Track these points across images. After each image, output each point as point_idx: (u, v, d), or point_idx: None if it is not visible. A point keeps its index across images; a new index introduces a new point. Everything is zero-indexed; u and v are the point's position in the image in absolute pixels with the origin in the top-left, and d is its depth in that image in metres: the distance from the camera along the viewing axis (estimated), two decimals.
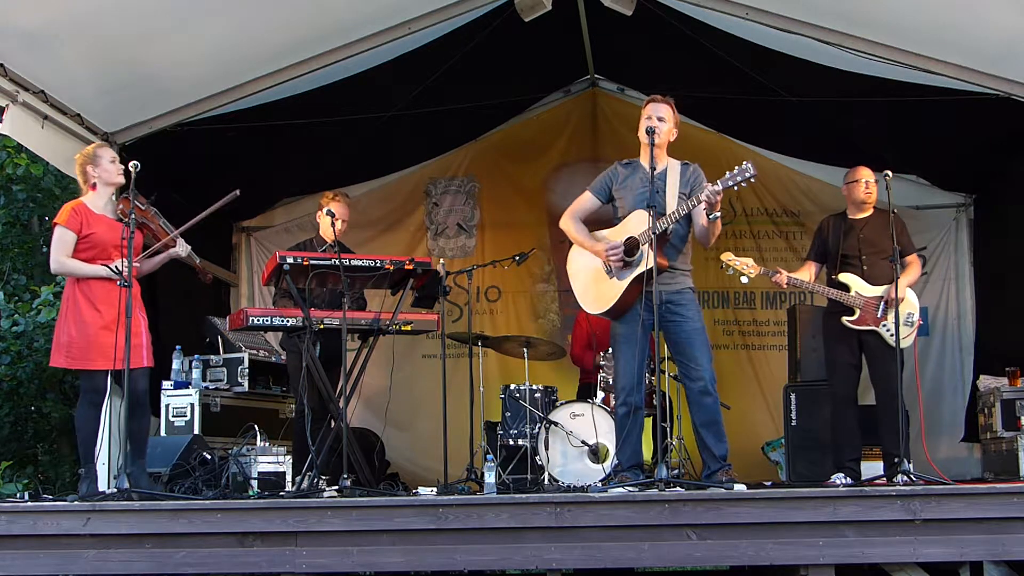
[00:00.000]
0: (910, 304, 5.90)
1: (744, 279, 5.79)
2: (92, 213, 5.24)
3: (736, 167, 4.93)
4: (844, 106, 7.02)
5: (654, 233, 4.85)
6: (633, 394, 5.09)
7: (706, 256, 8.29)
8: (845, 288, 5.88)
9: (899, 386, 5.37)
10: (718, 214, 4.95)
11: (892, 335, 5.74)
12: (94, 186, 5.29)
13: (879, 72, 6.33)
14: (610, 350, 6.54)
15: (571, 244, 5.42)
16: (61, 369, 8.72)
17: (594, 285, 5.22)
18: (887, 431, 5.72)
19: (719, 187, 4.88)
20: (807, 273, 6.02)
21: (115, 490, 4.77)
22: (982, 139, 7.11)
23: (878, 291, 5.84)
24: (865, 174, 6.02)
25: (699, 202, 4.92)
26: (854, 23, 6.03)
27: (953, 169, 7.86)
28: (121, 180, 5.29)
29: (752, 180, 4.94)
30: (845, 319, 5.85)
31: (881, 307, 5.79)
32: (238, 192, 5.34)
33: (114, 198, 5.38)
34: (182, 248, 5.42)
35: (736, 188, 4.94)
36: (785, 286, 5.92)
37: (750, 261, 5.80)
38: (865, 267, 5.88)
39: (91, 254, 5.17)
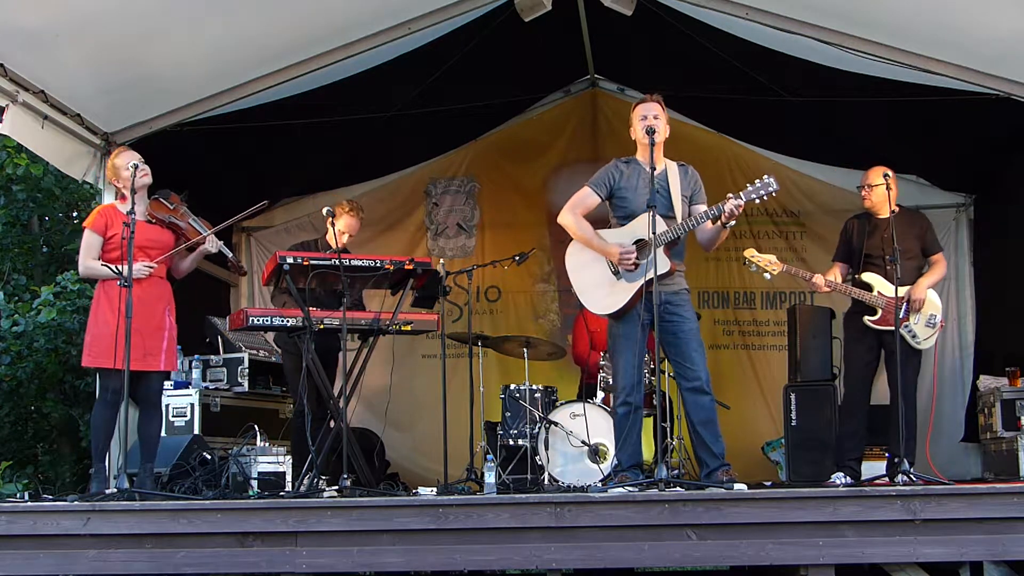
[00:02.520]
0: (932, 305, 5.87)
1: (767, 276, 5.78)
2: (119, 214, 5.35)
3: (758, 180, 4.97)
4: (844, 106, 7.01)
5: (654, 233, 4.85)
6: (633, 394, 5.09)
7: (706, 256, 8.31)
8: (868, 288, 5.88)
9: (900, 384, 5.37)
10: (733, 223, 4.98)
11: (913, 336, 5.75)
12: (123, 197, 5.42)
13: (879, 72, 6.32)
14: None
15: (570, 241, 5.39)
16: (61, 369, 8.77)
17: (600, 286, 5.17)
18: (898, 432, 5.70)
19: (742, 200, 4.90)
20: (834, 275, 6.01)
21: (115, 490, 4.78)
22: (982, 139, 7.10)
23: (901, 291, 5.80)
24: (863, 179, 6.02)
25: (720, 212, 4.92)
26: (854, 23, 6.02)
27: (953, 169, 7.86)
28: (143, 182, 5.37)
29: (773, 194, 4.96)
30: (867, 319, 5.84)
31: (904, 307, 5.77)
32: (267, 203, 5.41)
33: (147, 199, 5.49)
34: (211, 244, 5.51)
35: (759, 201, 4.96)
36: (825, 288, 5.89)
37: (773, 258, 5.80)
38: (887, 267, 5.86)
39: (116, 255, 5.30)
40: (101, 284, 5.33)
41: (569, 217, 5.25)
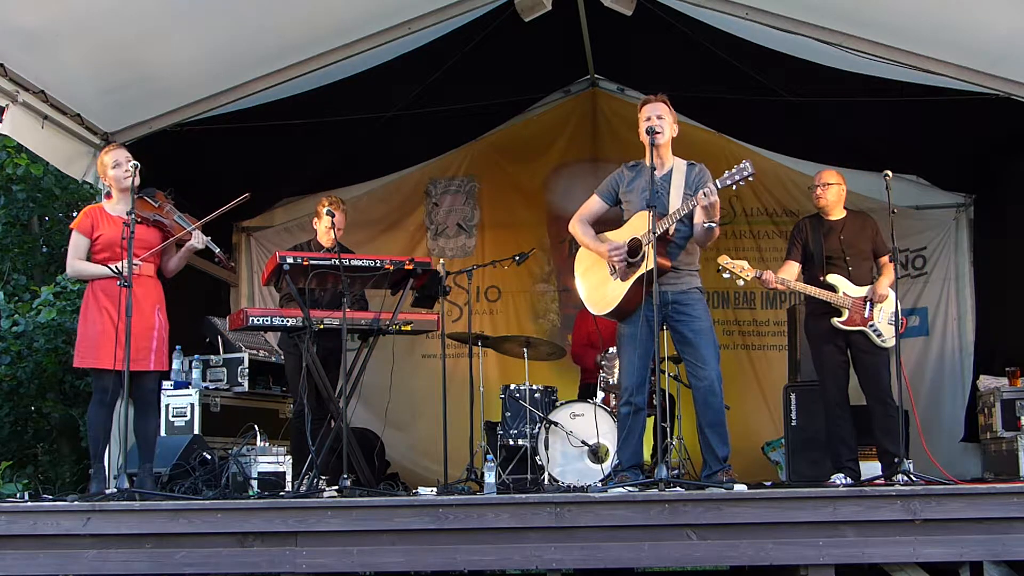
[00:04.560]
0: (892, 303, 5.91)
1: (740, 282, 5.79)
2: (106, 215, 5.33)
3: (735, 166, 4.94)
4: (844, 106, 7.01)
5: (654, 233, 4.85)
6: (636, 394, 5.09)
7: (705, 256, 8.24)
8: (832, 289, 5.89)
9: (899, 385, 5.37)
10: (713, 224, 4.92)
11: (879, 335, 5.78)
12: (109, 194, 5.39)
13: (879, 72, 6.33)
14: (612, 350, 6.58)
15: (577, 246, 5.44)
16: (61, 369, 8.78)
17: (599, 287, 5.23)
18: (880, 430, 5.74)
19: (716, 187, 4.88)
20: (791, 273, 6.01)
21: (115, 490, 4.78)
22: (982, 139, 7.10)
23: (863, 291, 5.87)
24: (818, 178, 6.06)
25: (696, 203, 4.92)
26: (854, 23, 6.02)
27: (953, 169, 7.86)
28: (126, 183, 5.33)
29: (750, 179, 4.93)
30: (835, 320, 5.86)
31: (868, 307, 5.82)
32: (248, 196, 5.38)
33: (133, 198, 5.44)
34: (198, 240, 5.47)
35: (735, 187, 4.95)
36: (775, 285, 5.90)
37: (745, 264, 5.80)
38: (851, 268, 5.90)
39: (104, 255, 5.26)
40: (91, 285, 5.28)
41: (575, 225, 5.37)
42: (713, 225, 4.94)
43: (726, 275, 5.81)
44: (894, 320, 5.84)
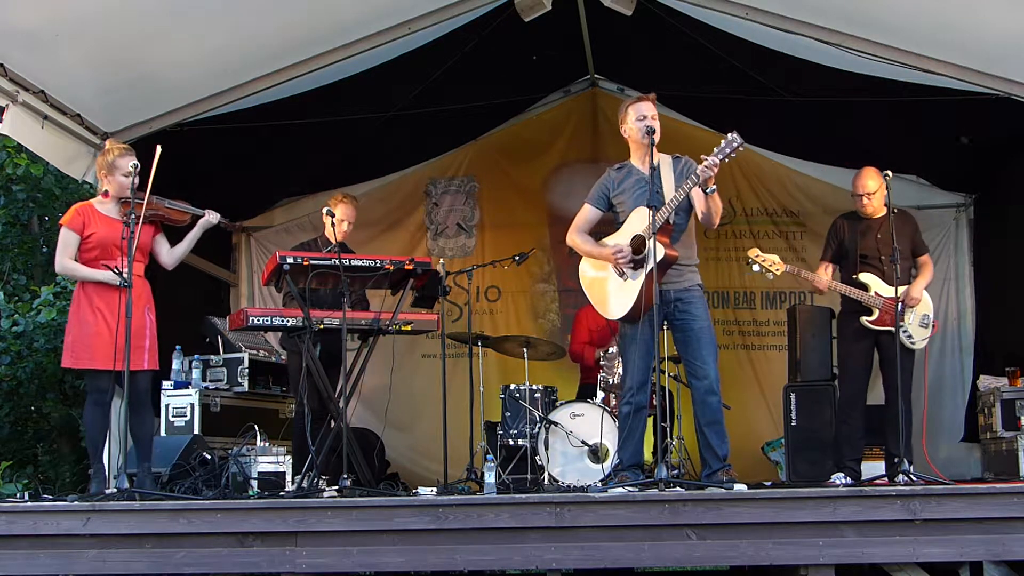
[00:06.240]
0: (925, 305, 5.90)
1: (770, 276, 5.78)
2: (97, 213, 5.30)
3: (723, 140, 4.95)
4: (844, 106, 7.01)
5: (654, 232, 4.85)
6: (638, 394, 5.09)
7: (706, 256, 8.26)
8: (864, 288, 5.88)
9: (907, 387, 5.38)
10: (714, 187, 4.94)
11: (908, 336, 5.75)
12: (106, 193, 5.34)
13: (879, 72, 6.33)
14: (611, 349, 6.58)
15: (579, 255, 5.41)
16: (61, 369, 8.76)
17: (611, 291, 5.18)
18: (894, 432, 5.72)
19: (713, 160, 4.87)
20: (828, 274, 6.00)
21: (115, 490, 4.79)
22: (982, 139, 7.10)
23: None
24: (862, 186, 6.02)
25: (697, 180, 4.91)
26: (854, 23, 6.03)
27: (953, 169, 7.87)
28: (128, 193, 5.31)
29: (741, 149, 4.94)
30: (864, 319, 5.85)
31: (899, 308, 5.79)
32: (160, 149, 5.30)
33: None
34: (212, 216, 5.52)
35: (727, 160, 4.94)
36: (826, 290, 5.88)
37: (776, 258, 5.80)
38: (885, 268, 5.89)
39: (94, 254, 5.23)
40: (81, 284, 5.24)
41: (573, 237, 5.35)
42: (714, 188, 4.94)
43: (755, 268, 5.81)
44: (926, 322, 5.83)
